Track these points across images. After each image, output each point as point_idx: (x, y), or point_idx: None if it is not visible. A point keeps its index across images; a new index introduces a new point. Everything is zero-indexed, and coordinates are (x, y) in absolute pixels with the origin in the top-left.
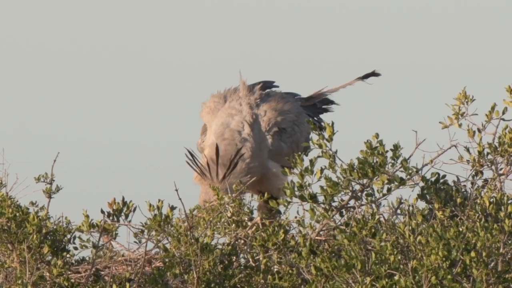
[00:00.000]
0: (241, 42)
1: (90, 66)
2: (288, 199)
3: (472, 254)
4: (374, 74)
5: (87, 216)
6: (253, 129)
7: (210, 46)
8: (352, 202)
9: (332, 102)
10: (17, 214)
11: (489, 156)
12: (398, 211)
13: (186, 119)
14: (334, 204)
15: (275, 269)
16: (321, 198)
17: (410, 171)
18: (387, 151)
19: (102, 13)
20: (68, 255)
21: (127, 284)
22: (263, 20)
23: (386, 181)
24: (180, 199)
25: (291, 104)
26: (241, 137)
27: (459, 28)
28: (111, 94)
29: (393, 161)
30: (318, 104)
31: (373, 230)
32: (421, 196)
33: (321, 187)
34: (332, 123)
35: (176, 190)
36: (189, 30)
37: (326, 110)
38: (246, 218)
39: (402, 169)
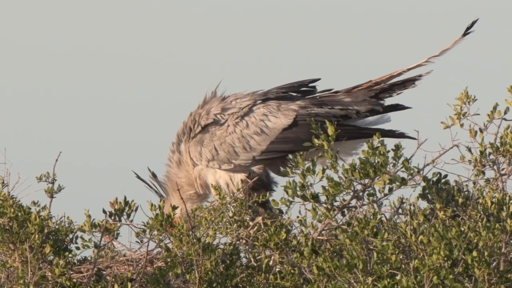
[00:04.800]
0: (244, 43)
1: (91, 67)
2: (290, 199)
3: (474, 253)
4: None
5: (89, 216)
6: (179, 138)
7: (211, 46)
8: (353, 202)
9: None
10: (19, 213)
11: (491, 156)
12: (400, 211)
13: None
14: (336, 204)
15: (277, 269)
16: (323, 198)
17: (411, 171)
18: (388, 151)
19: (102, 13)
20: (70, 255)
21: (129, 284)
22: (265, 21)
23: (387, 181)
24: (182, 198)
25: (220, 104)
26: (172, 148)
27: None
28: (111, 94)
29: (394, 161)
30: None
31: (374, 230)
32: (423, 196)
33: (323, 187)
34: (334, 123)
35: (178, 190)
36: (189, 30)
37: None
38: (247, 218)
39: (403, 169)
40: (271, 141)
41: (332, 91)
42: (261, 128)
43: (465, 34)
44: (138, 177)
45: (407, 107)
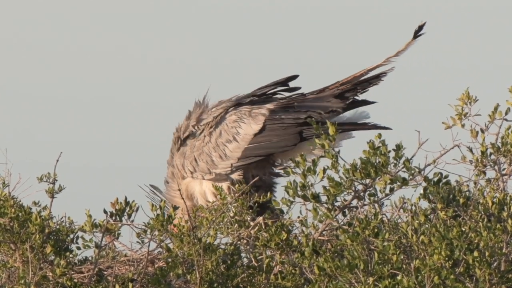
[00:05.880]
0: (244, 43)
1: (91, 67)
2: (291, 199)
3: (475, 254)
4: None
5: (90, 216)
6: (171, 152)
7: (211, 46)
8: (354, 202)
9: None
10: (20, 214)
11: (492, 156)
12: (401, 210)
13: None
14: (337, 204)
15: (278, 269)
16: (323, 198)
17: (412, 171)
18: (389, 151)
19: (102, 13)
20: (71, 255)
21: (130, 284)
22: (265, 21)
23: (388, 181)
24: (183, 198)
25: (197, 115)
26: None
27: (462, 28)
28: (111, 94)
29: (395, 161)
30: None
31: (375, 230)
32: (424, 196)
33: (324, 187)
34: (335, 123)
35: (179, 190)
36: (190, 30)
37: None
38: (248, 218)
39: (404, 169)
40: (245, 148)
41: (302, 92)
42: (233, 136)
43: (415, 37)
44: (144, 188)
45: (373, 102)
